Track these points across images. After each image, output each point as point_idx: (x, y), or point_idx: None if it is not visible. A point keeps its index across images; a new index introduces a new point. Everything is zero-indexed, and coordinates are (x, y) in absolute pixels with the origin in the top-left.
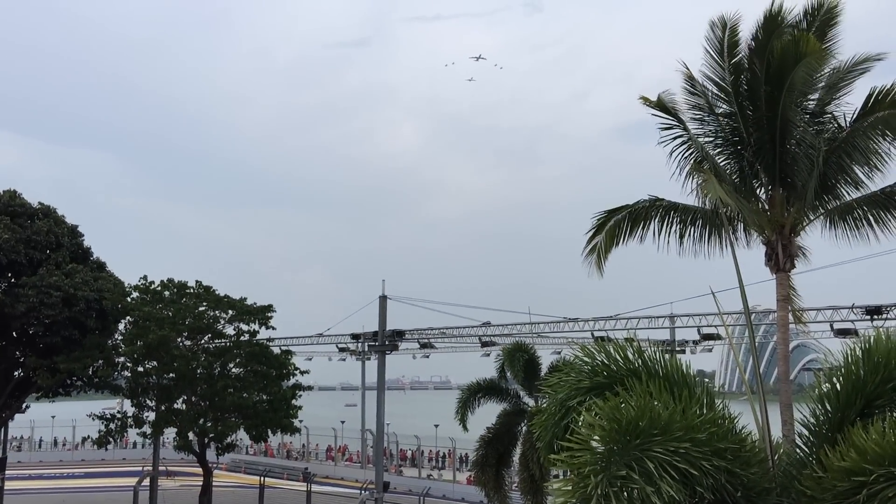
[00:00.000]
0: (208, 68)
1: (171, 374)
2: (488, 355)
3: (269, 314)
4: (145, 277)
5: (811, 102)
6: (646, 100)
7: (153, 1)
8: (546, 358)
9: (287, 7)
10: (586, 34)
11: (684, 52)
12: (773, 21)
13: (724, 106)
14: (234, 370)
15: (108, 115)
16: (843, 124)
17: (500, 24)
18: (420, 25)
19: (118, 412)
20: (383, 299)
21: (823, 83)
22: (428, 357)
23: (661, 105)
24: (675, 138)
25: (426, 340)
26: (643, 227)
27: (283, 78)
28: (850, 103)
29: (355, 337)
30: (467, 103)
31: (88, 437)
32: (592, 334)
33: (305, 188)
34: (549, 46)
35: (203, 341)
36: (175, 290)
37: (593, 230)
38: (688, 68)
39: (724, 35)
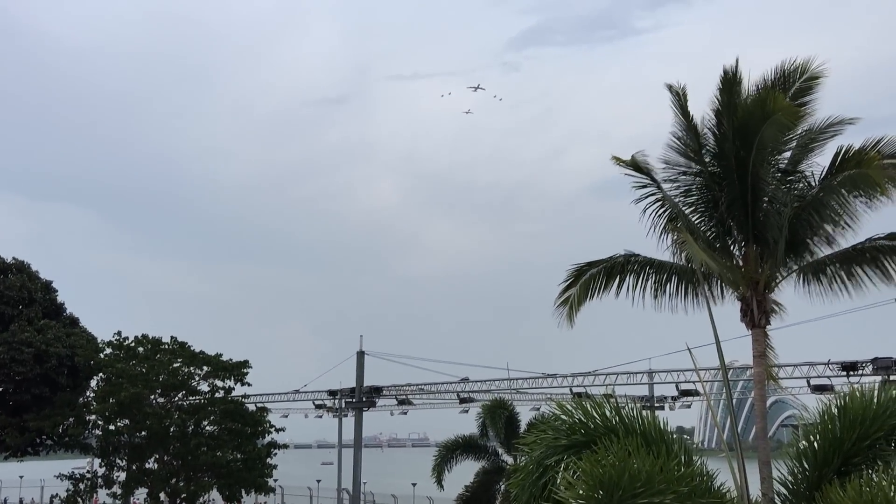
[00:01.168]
0: (188, 123)
1: (143, 433)
2: (467, 411)
3: (245, 370)
4: (119, 333)
5: (783, 161)
6: (618, 160)
7: (132, 57)
8: (525, 414)
9: (267, 65)
10: (563, 94)
11: (658, 111)
12: (736, 81)
13: (697, 164)
14: (208, 428)
15: (87, 170)
16: (813, 183)
17: (478, 82)
18: (398, 83)
19: (88, 472)
20: (361, 355)
21: (796, 142)
22: (406, 414)
23: (634, 164)
24: (648, 196)
25: (404, 397)
26: (619, 282)
27: (263, 134)
28: (819, 164)
29: (332, 393)
30: (446, 161)
31: (57, 495)
32: (571, 390)
33: (284, 243)
34: (526, 105)
35: (177, 398)
36: (149, 346)
37: (568, 281)
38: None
39: (682, 98)
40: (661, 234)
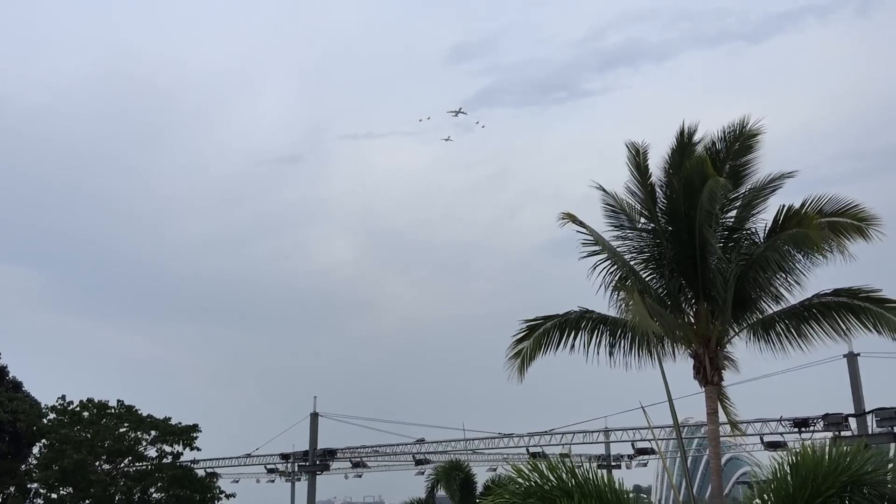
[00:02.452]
0: (140, 183)
1: (87, 501)
2: (423, 473)
3: (195, 434)
4: (63, 398)
5: (729, 219)
6: (568, 216)
7: (84, 116)
8: (481, 475)
9: (222, 124)
10: (517, 153)
11: (610, 170)
12: (685, 143)
13: (648, 223)
14: (155, 496)
15: (35, 229)
16: (758, 240)
17: (432, 143)
18: (354, 143)
19: None
20: (314, 416)
21: (741, 201)
22: (360, 476)
23: (583, 223)
24: (597, 253)
25: (358, 459)
26: (573, 338)
27: (217, 192)
28: (764, 219)
29: (285, 457)
30: (401, 219)
31: None
32: (528, 450)
33: (236, 303)
34: (480, 164)
35: (123, 465)
36: (95, 410)
37: (521, 334)
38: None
39: (638, 158)
40: (612, 292)
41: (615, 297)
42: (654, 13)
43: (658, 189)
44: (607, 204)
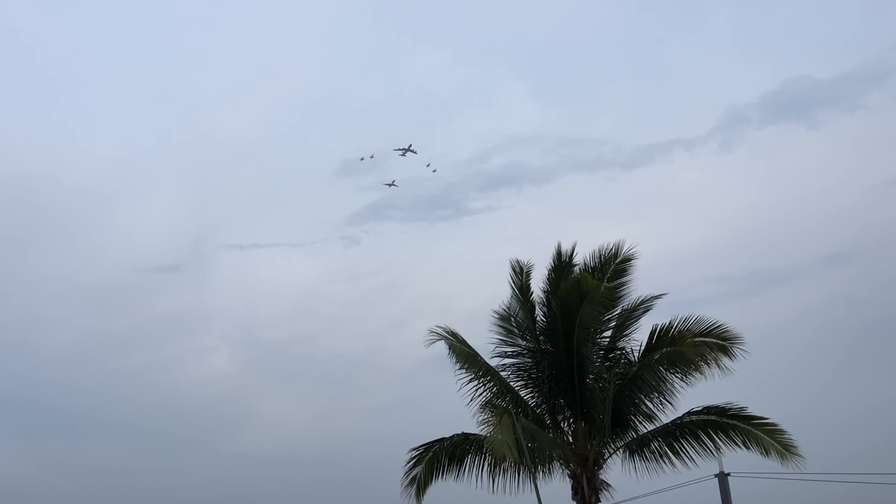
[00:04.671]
0: (7, 290)
1: None
2: None
3: None
4: None
5: (605, 339)
6: (439, 335)
7: None
8: None
9: (98, 230)
10: (404, 267)
11: (497, 286)
12: (565, 263)
13: (529, 341)
14: None
15: None
16: (633, 360)
17: (319, 255)
18: (238, 253)
19: None
20: None
21: (616, 321)
22: None
23: (457, 337)
24: (471, 372)
25: None
26: (459, 463)
27: (90, 301)
28: (638, 339)
29: None
30: (285, 331)
31: None
32: None
33: (105, 419)
34: (368, 277)
35: None
36: None
37: (412, 462)
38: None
39: (522, 277)
40: (485, 413)
41: (486, 417)
42: (536, 139)
43: (539, 307)
44: (494, 320)
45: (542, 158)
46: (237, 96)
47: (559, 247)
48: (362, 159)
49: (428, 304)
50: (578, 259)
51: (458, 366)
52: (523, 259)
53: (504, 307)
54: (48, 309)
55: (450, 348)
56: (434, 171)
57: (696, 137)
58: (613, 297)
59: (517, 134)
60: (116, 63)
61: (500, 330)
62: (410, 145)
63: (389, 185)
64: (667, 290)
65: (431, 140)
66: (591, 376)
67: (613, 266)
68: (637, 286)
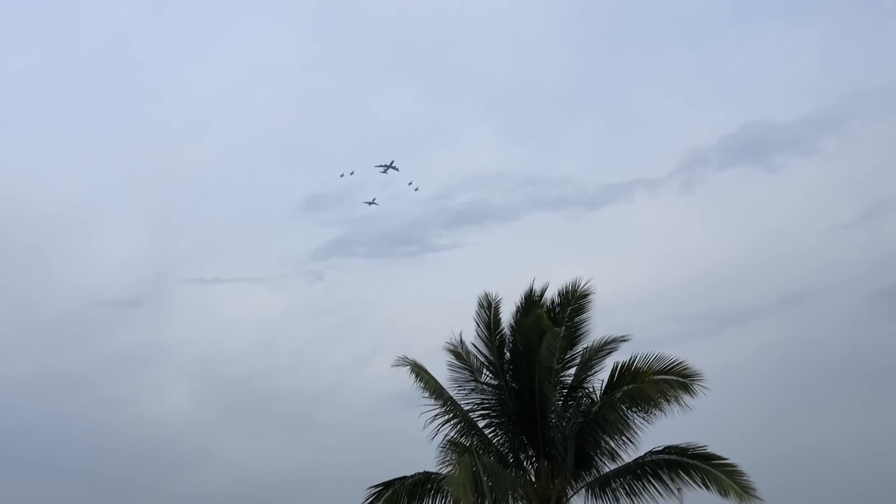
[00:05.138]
0: None
1: None
2: None
3: None
4: None
5: (567, 377)
6: (408, 362)
7: None
8: None
9: (57, 263)
10: (368, 303)
11: (461, 322)
12: (530, 301)
13: (494, 378)
14: None
15: None
16: (595, 398)
17: (282, 290)
18: (199, 287)
19: None
20: None
21: (578, 359)
22: None
23: (425, 370)
24: (437, 406)
25: None
26: (419, 503)
27: (46, 334)
28: (601, 378)
29: None
30: (245, 367)
31: None
32: None
33: (58, 456)
34: (330, 313)
35: None
36: None
37: (370, 500)
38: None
39: (490, 313)
40: (447, 451)
41: (449, 455)
42: (501, 177)
43: (504, 344)
44: (456, 356)
45: (507, 196)
46: (202, 130)
47: (532, 284)
48: (342, 176)
49: (391, 341)
50: (543, 297)
51: (425, 394)
52: (492, 293)
53: (471, 343)
54: (1, 343)
55: (416, 376)
56: (416, 189)
57: (658, 178)
58: (575, 335)
59: (482, 172)
60: (81, 95)
61: (466, 367)
62: (392, 162)
63: (370, 203)
64: (628, 328)
65: (395, 176)
66: (553, 415)
67: (573, 305)
68: (599, 325)
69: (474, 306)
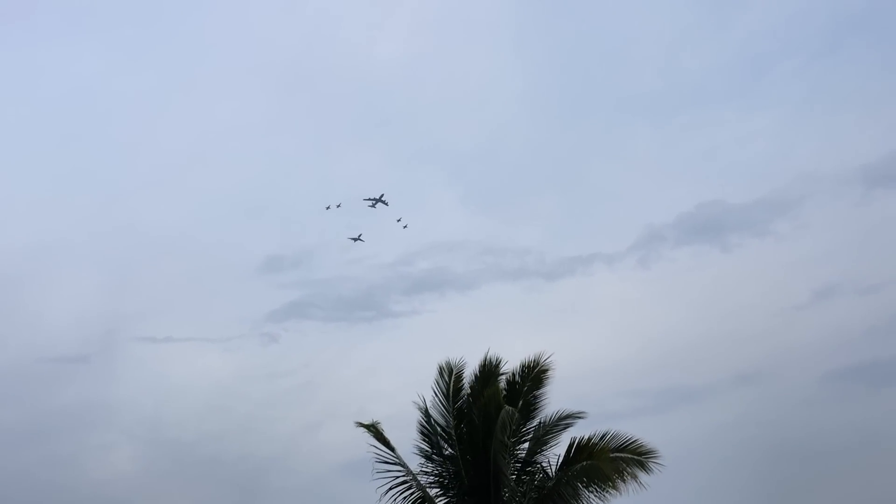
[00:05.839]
0: None
1: None
2: None
3: None
4: None
5: (522, 451)
6: (367, 427)
7: None
8: None
9: (1, 317)
10: (322, 367)
11: (419, 389)
12: (487, 371)
13: (450, 448)
14: None
15: None
16: (551, 474)
17: (235, 351)
18: (150, 345)
19: None
20: None
21: (532, 433)
22: None
23: (382, 436)
24: (393, 474)
25: None
26: None
27: None
28: (556, 454)
29: None
30: (193, 430)
31: None
32: None
33: None
34: (284, 376)
35: None
36: None
37: None
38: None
39: (450, 382)
40: None
41: None
42: (461, 245)
43: (462, 414)
44: (421, 425)
45: (467, 265)
46: (163, 186)
47: (487, 354)
48: (328, 208)
49: (344, 407)
50: (502, 368)
51: (380, 461)
52: (454, 360)
53: (430, 411)
54: None
55: (377, 437)
56: (405, 226)
57: (616, 252)
58: (532, 408)
59: (443, 239)
60: (38, 146)
61: (422, 436)
62: (382, 195)
63: (355, 239)
64: (584, 400)
65: (357, 245)
66: (506, 489)
67: (532, 378)
68: (556, 396)
69: (432, 373)
